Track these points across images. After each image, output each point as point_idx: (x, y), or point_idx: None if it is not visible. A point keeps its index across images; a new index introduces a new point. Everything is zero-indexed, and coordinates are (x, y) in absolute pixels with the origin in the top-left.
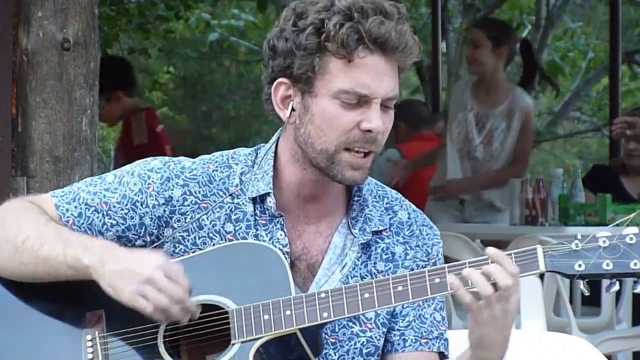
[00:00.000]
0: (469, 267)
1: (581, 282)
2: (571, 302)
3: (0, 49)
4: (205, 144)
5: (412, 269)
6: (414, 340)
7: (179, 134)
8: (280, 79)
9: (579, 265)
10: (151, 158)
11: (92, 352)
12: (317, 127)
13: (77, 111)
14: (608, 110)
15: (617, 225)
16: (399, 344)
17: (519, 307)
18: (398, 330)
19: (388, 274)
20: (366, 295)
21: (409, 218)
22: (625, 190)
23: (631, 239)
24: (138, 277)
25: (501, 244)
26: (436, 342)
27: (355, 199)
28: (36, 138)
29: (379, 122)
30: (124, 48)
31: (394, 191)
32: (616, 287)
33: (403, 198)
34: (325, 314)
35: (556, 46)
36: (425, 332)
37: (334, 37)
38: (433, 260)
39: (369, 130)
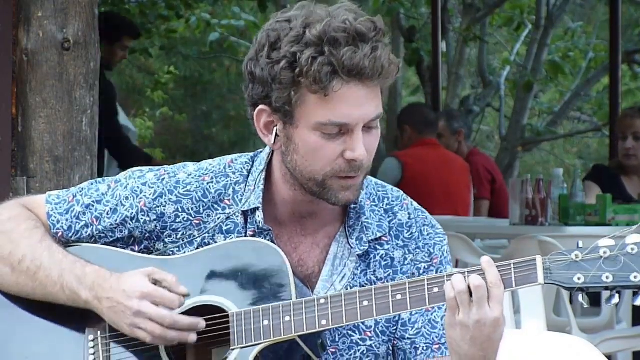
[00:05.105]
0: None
1: (580, 294)
2: (571, 302)
3: (0, 49)
4: (206, 143)
5: (413, 274)
6: (425, 348)
7: (179, 133)
8: (261, 106)
9: (578, 278)
10: (147, 169)
11: (94, 353)
12: (302, 157)
13: (77, 111)
14: (608, 110)
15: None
16: (410, 353)
17: (499, 333)
18: (409, 338)
19: (387, 281)
20: (365, 303)
21: (409, 219)
22: (625, 190)
23: (632, 249)
24: (128, 310)
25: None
26: None
27: (352, 206)
28: (36, 138)
29: (362, 150)
30: None
31: (395, 189)
32: (616, 300)
33: (405, 197)
34: (323, 322)
35: (557, 46)
36: (436, 337)
37: (307, 73)
38: (437, 260)
39: (354, 160)
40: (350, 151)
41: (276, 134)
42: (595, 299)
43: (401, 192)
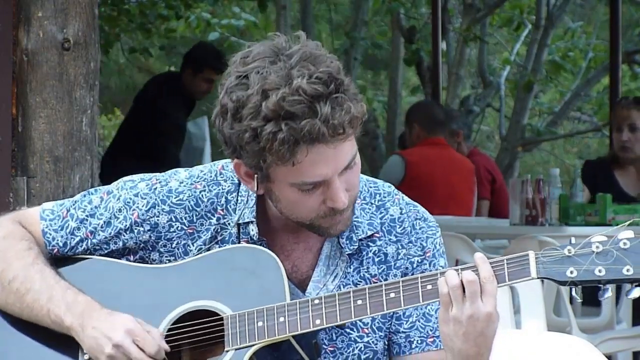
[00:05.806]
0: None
1: (574, 288)
2: (571, 302)
3: (1, 49)
4: None
5: (406, 268)
6: (419, 342)
7: None
8: (236, 160)
9: (571, 272)
10: (139, 179)
11: None
12: (285, 207)
13: (77, 111)
14: (608, 110)
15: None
16: (405, 346)
17: (492, 329)
18: (403, 332)
19: (381, 277)
20: (359, 302)
21: (401, 214)
22: (619, 185)
23: (625, 244)
24: (109, 342)
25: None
26: None
27: None
28: (36, 138)
29: (342, 199)
30: (124, 48)
31: (386, 184)
32: (608, 294)
33: (396, 192)
34: (317, 321)
35: (557, 46)
36: (431, 330)
37: (270, 149)
38: (429, 253)
39: (336, 207)
40: (330, 201)
41: (258, 181)
42: (595, 299)
43: (392, 187)
